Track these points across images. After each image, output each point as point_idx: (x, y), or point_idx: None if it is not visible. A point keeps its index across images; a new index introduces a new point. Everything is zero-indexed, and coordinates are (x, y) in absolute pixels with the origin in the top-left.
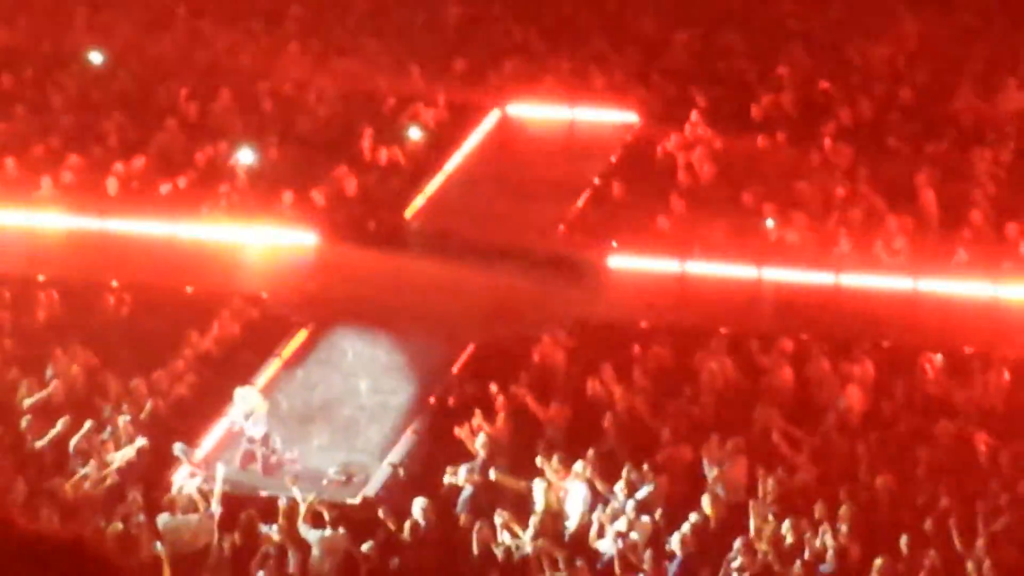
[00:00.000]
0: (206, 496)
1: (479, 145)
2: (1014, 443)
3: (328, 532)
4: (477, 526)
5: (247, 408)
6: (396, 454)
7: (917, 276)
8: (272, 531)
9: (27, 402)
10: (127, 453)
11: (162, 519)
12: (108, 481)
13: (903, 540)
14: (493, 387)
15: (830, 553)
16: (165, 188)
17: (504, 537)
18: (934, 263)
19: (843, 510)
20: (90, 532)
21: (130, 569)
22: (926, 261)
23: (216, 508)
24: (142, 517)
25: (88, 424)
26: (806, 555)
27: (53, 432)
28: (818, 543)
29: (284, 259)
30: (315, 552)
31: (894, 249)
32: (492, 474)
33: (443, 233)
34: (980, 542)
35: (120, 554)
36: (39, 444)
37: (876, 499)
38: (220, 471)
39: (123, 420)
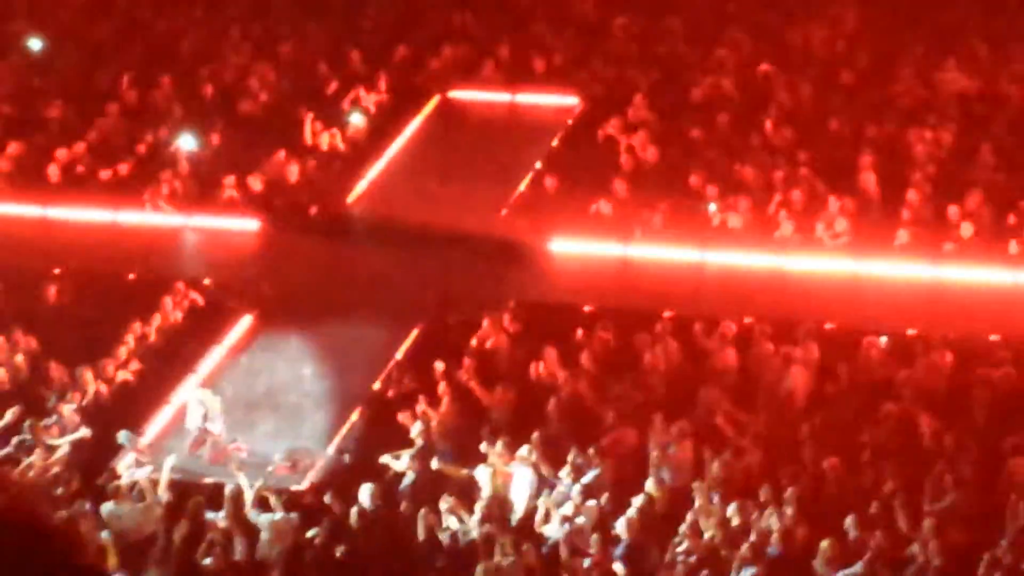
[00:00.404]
0: (152, 484)
1: (420, 130)
2: (957, 424)
3: (278, 515)
4: (422, 512)
5: (203, 410)
6: (341, 440)
7: (859, 258)
8: (218, 518)
9: None
10: (71, 441)
11: (106, 507)
12: (53, 469)
13: (849, 522)
14: (437, 372)
15: (775, 535)
16: (106, 175)
17: (450, 522)
18: (875, 245)
19: (788, 492)
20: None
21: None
22: (867, 243)
23: (162, 496)
24: (87, 505)
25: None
26: (752, 538)
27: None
28: (764, 525)
29: (227, 246)
30: (264, 536)
31: (836, 231)
32: (434, 463)
33: (385, 218)
34: (925, 523)
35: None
36: None
37: (821, 481)
38: (169, 460)
39: (67, 408)
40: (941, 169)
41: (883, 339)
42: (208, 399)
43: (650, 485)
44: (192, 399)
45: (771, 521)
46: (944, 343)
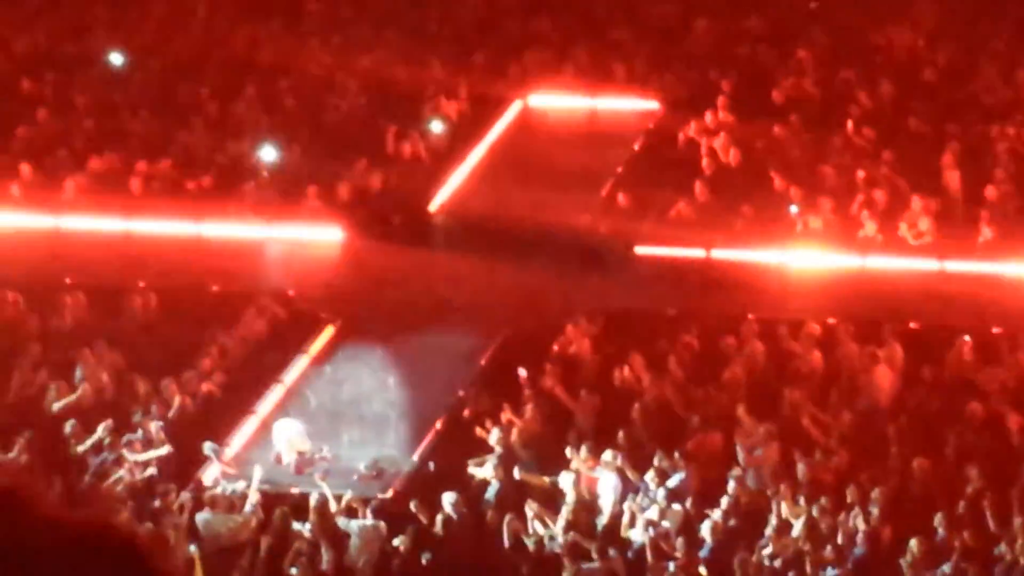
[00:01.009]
0: (242, 494)
1: (502, 137)
2: None
3: (368, 522)
4: (507, 519)
5: (287, 440)
6: (426, 449)
7: (944, 258)
8: (305, 528)
9: (56, 406)
10: (159, 453)
11: (201, 517)
12: (141, 482)
13: (936, 522)
14: (521, 378)
15: (861, 536)
16: (189, 187)
17: (535, 528)
18: (960, 245)
19: (875, 493)
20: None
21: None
22: (952, 243)
23: (252, 507)
24: (176, 517)
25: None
26: (838, 539)
27: (89, 437)
28: (850, 526)
29: (310, 256)
30: (353, 542)
31: (920, 231)
32: (516, 473)
33: (468, 226)
34: (1016, 522)
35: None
36: (75, 448)
37: (908, 481)
38: (257, 472)
39: (153, 421)
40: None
41: (967, 338)
42: (290, 427)
43: (735, 487)
44: (278, 432)
45: (857, 522)
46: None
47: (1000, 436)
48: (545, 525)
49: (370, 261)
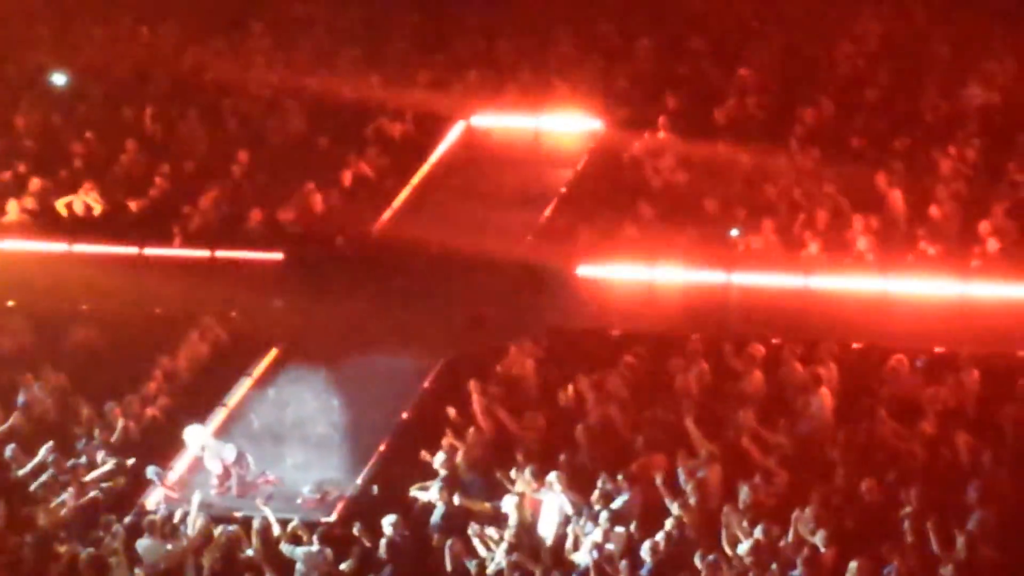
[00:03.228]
0: (182, 518)
1: (444, 157)
2: (987, 442)
3: (314, 548)
4: (449, 542)
5: (200, 444)
6: (370, 471)
7: (886, 276)
8: (249, 552)
9: None
10: (100, 477)
11: (140, 543)
12: (82, 506)
13: (878, 544)
14: (465, 399)
15: (802, 559)
16: (131, 209)
17: (479, 552)
18: (902, 262)
19: (817, 514)
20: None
21: None
22: (894, 261)
23: (193, 530)
24: (117, 542)
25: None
26: (780, 561)
27: (31, 461)
28: (791, 549)
29: (252, 278)
30: (299, 568)
31: (862, 250)
32: (456, 499)
33: (411, 246)
34: (958, 542)
35: None
36: (16, 472)
37: (850, 503)
38: (196, 495)
39: (96, 445)
40: (966, 185)
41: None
42: (198, 433)
43: (678, 509)
44: (186, 438)
45: (799, 544)
46: (972, 361)
47: (943, 456)
48: (488, 548)
49: (313, 282)
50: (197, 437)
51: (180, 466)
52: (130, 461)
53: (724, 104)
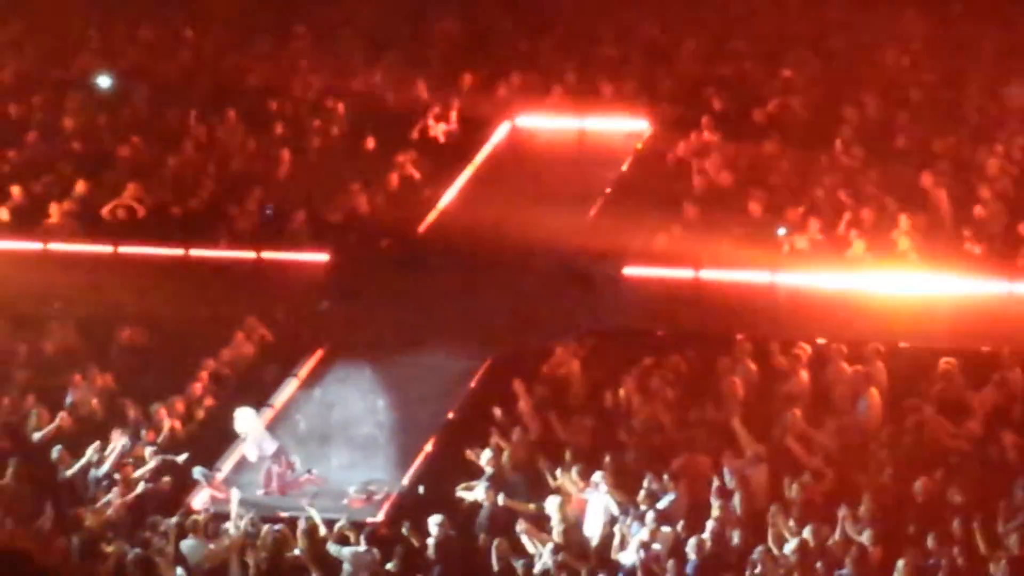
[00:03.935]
0: (228, 519)
1: (490, 157)
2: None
3: (361, 548)
4: (496, 542)
5: (246, 428)
6: (416, 471)
7: (932, 276)
8: (296, 551)
9: (41, 433)
10: (146, 476)
11: (186, 544)
12: (129, 506)
13: (928, 543)
14: (511, 400)
15: (850, 557)
16: (177, 211)
17: (525, 552)
18: (949, 262)
19: (864, 513)
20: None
21: None
22: (941, 261)
23: (235, 531)
24: (164, 542)
25: (112, 448)
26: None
27: (78, 462)
28: (838, 547)
29: (299, 279)
30: (346, 569)
31: (908, 250)
32: (500, 499)
33: (456, 247)
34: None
35: None
36: (64, 473)
37: (897, 503)
38: (236, 494)
39: (144, 446)
40: (1012, 184)
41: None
42: (247, 416)
43: (722, 509)
44: (243, 427)
45: (847, 543)
46: (1018, 359)
47: (989, 454)
48: (535, 547)
49: (359, 283)
50: (246, 421)
51: (227, 466)
52: (180, 458)
53: (768, 104)
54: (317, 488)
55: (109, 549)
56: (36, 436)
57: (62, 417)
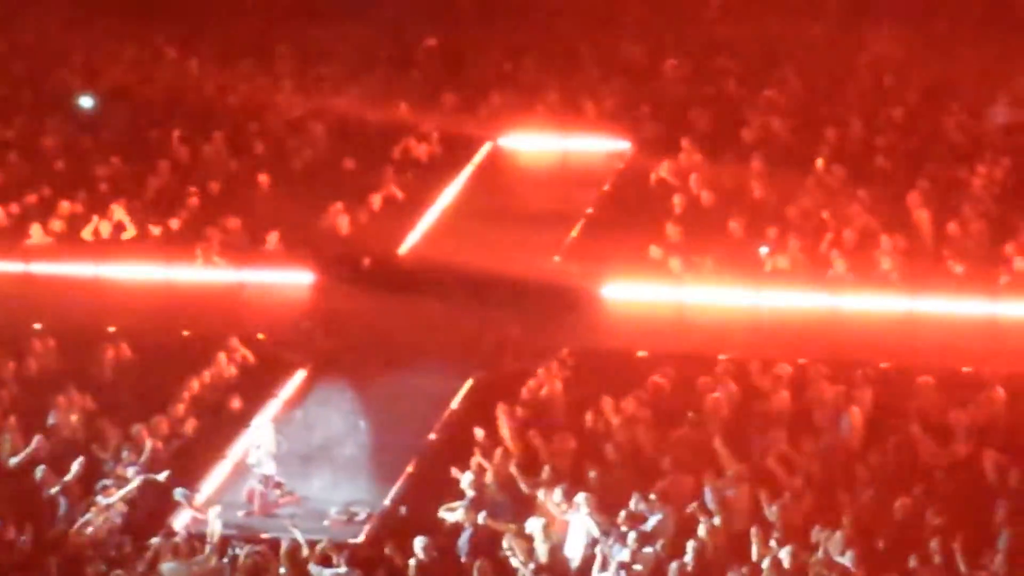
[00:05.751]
0: (208, 540)
1: (472, 178)
2: (1015, 461)
3: (342, 570)
4: (478, 564)
5: (258, 440)
6: (398, 492)
7: (913, 296)
8: (279, 573)
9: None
10: (128, 499)
11: (166, 566)
12: (110, 528)
13: (909, 564)
14: (493, 420)
15: None
16: (158, 232)
17: (511, 567)
18: (930, 282)
19: (845, 534)
20: None
21: None
22: (922, 281)
23: (214, 552)
24: (145, 563)
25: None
26: None
27: (58, 481)
28: (820, 568)
29: (280, 299)
30: None
31: (890, 270)
32: (481, 518)
33: (438, 267)
34: (990, 561)
35: None
36: (45, 493)
37: (877, 524)
38: (214, 515)
39: (124, 466)
40: (993, 203)
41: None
42: (265, 430)
43: (705, 530)
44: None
45: (828, 564)
46: (1000, 379)
47: (971, 475)
48: (520, 567)
49: (340, 304)
50: (264, 433)
51: (208, 488)
52: (161, 476)
53: (751, 124)
54: (295, 509)
55: (90, 570)
56: (12, 461)
57: (43, 438)
